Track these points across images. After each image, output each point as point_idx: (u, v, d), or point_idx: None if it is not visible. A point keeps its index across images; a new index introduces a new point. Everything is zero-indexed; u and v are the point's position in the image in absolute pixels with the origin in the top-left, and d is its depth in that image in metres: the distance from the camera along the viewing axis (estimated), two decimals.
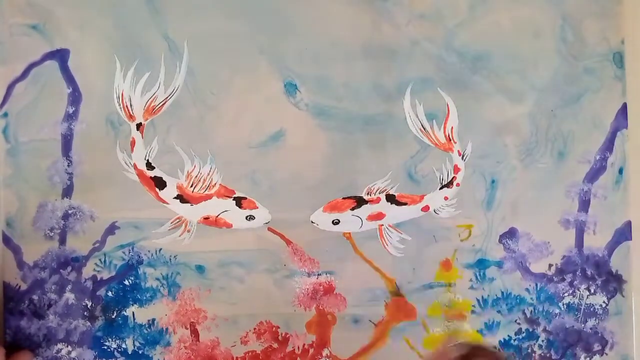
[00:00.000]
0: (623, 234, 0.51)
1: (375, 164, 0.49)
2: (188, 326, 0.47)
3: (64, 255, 0.46)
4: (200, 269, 0.47)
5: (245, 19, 0.48)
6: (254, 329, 0.48)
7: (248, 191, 0.48)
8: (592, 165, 0.51)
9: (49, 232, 0.46)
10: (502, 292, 0.50)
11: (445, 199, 0.50)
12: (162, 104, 0.47)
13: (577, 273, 0.51)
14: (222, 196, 0.48)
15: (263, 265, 0.48)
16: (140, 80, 0.47)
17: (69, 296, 0.46)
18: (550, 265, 0.51)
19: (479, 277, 0.50)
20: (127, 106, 0.47)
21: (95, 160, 0.47)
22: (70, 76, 0.46)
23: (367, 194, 0.49)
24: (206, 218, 0.48)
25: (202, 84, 0.47)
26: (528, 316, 0.50)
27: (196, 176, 0.47)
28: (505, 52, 0.50)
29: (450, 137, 0.49)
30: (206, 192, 0.48)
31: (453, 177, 0.50)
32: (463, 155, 0.50)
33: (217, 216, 0.48)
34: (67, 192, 0.46)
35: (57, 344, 0.46)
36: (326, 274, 0.49)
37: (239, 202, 0.48)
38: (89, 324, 0.46)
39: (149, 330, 0.47)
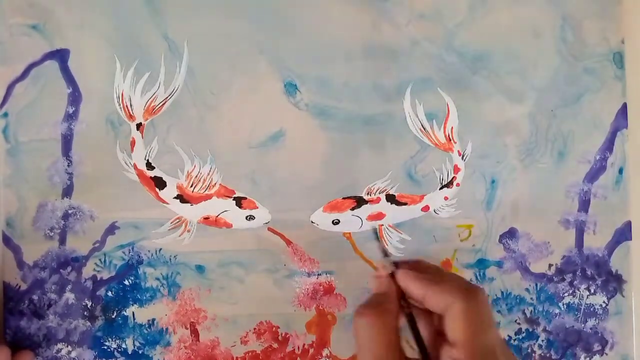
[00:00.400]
0: (623, 234, 0.51)
1: (375, 164, 0.49)
2: (188, 326, 0.47)
3: (64, 255, 0.46)
4: (200, 269, 0.47)
5: (245, 19, 0.48)
6: (254, 329, 0.48)
7: (248, 191, 0.48)
8: (592, 165, 0.51)
9: (48, 232, 0.46)
10: (502, 292, 0.50)
11: (445, 199, 0.50)
12: (162, 104, 0.47)
13: (577, 273, 0.51)
14: (222, 196, 0.48)
15: (263, 265, 0.48)
16: (140, 80, 0.47)
17: (69, 296, 0.46)
18: (550, 265, 0.51)
19: (478, 277, 0.50)
20: (127, 106, 0.47)
21: (95, 160, 0.47)
22: (70, 76, 0.47)
23: (367, 194, 0.49)
24: (206, 218, 0.48)
25: (202, 84, 0.48)
26: (528, 316, 0.50)
27: (196, 176, 0.47)
28: (505, 52, 0.50)
29: (450, 137, 0.49)
30: (206, 192, 0.48)
31: (453, 177, 0.50)
32: (463, 155, 0.50)
33: (217, 216, 0.48)
34: (67, 192, 0.46)
35: (57, 344, 0.46)
36: (326, 274, 0.49)
37: (239, 202, 0.48)
38: (89, 323, 0.46)
39: (149, 330, 0.47)
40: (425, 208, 0.50)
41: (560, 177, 0.51)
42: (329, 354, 0.48)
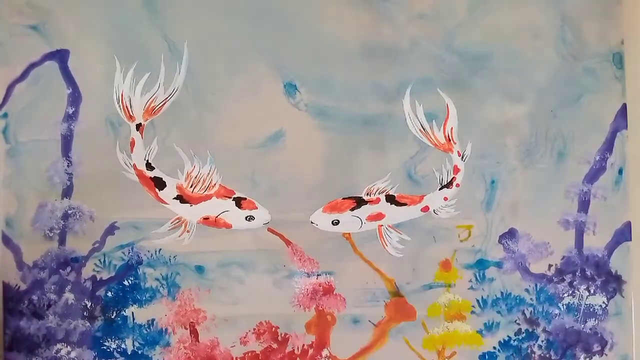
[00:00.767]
0: (623, 234, 0.51)
1: (374, 164, 0.49)
2: (187, 326, 0.47)
3: (64, 256, 0.46)
4: (199, 269, 0.47)
5: (245, 20, 0.48)
6: (254, 329, 0.48)
7: (248, 192, 0.48)
8: (592, 165, 0.51)
9: (48, 232, 0.46)
10: (502, 293, 0.50)
11: (445, 200, 0.50)
12: (161, 104, 0.47)
13: (577, 273, 0.51)
14: (222, 196, 0.48)
15: (263, 265, 0.48)
16: (140, 80, 0.47)
17: (69, 296, 0.46)
18: (550, 266, 0.51)
19: (478, 277, 0.50)
20: (126, 107, 0.47)
21: (95, 161, 0.47)
22: (70, 77, 0.46)
23: (367, 194, 0.49)
24: (206, 218, 0.48)
25: (202, 85, 0.47)
26: (528, 316, 0.50)
27: (196, 176, 0.47)
28: (505, 52, 0.50)
29: (450, 137, 0.49)
30: (206, 193, 0.48)
31: (453, 178, 0.50)
32: (463, 156, 0.50)
33: (216, 216, 0.48)
34: (67, 192, 0.46)
35: (56, 344, 0.46)
36: (326, 274, 0.49)
37: (238, 202, 0.48)
38: (88, 324, 0.46)
39: (148, 330, 0.47)
40: (425, 208, 0.50)
41: (560, 178, 0.51)
42: (328, 354, 0.48)
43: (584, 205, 0.51)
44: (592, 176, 0.51)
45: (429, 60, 0.50)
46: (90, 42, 0.47)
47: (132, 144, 0.47)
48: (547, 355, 0.50)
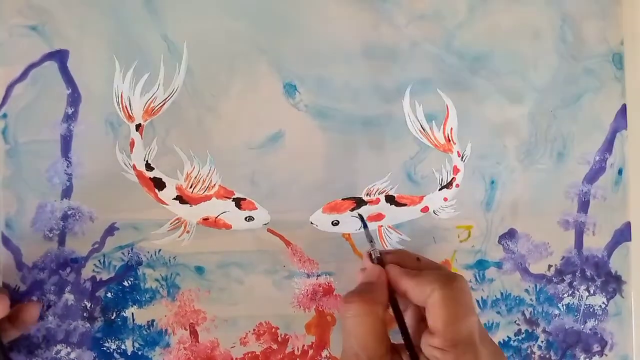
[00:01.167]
0: (622, 234, 0.51)
1: (374, 164, 0.49)
2: (187, 327, 0.47)
3: (63, 256, 0.46)
4: (199, 270, 0.47)
5: (245, 20, 0.48)
6: (254, 330, 0.48)
7: (247, 192, 0.48)
8: (592, 166, 0.51)
9: (48, 233, 0.46)
10: (502, 293, 0.50)
11: (445, 200, 0.50)
12: (161, 105, 0.47)
13: (577, 274, 0.51)
14: (222, 197, 0.48)
15: (262, 266, 0.48)
16: (139, 81, 0.47)
17: (68, 297, 0.46)
18: (549, 266, 0.51)
19: (478, 278, 0.50)
20: (126, 107, 0.47)
21: (94, 161, 0.47)
22: (69, 77, 0.46)
23: (367, 194, 0.49)
24: (205, 219, 0.48)
25: (202, 85, 0.47)
26: (527, 317, 0.50)
27: (195, 177, 0.47)
28: (505, 52, 0.50)
29: (450, 138, 0.49)
30: (205, 193, 0.48)
31: (452, 178, 0.50)
32: (462, 156, 0.50)
33: (216, 217, 0.48)
34: (67, 193, 0.46)
35: (56, 345, 0.46)
36: (325, 275, 0.49)
37: (238, 203, 0.48)
38: (88, 325, 0.46)
39: (148, 331, 0.47)
40: (425, 209, 0.50)
41: (559, 178, 0.51)
42: (328, 355, 0.48)
43: (583, 206, 0.51)
44: (592, 176, 0.51)
45: (429, 61, 0.50)
46: (90, 43, 0.47)
47: (132, 144, 0.47)
48: (547, 356, 0.50)
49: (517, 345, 0.50)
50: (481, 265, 0.50)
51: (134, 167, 0.47)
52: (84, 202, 0.47)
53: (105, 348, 0.47)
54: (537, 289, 0.50)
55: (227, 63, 0.48)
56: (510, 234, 0.50)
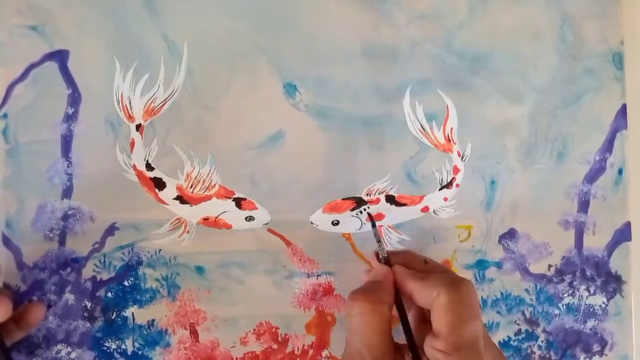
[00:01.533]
0: (623, 234, 0.51)
1: (374, 164, 0.49)
2: (188, 327, 0.47)
3: (64, 256, 0.46)
4: (199, 269, 0.47)
5: (245, 20, 0.48)
6: (254, 329, 0.48)
7: (248, 192, 0.48)
8: (592, 166, 0.51)
9: (48, 233, 0.46)
10: (502, 293, 0.50)
11: (445, 200, 0.50)
12: (161, 105, 0.47)
13: (577, 274, 0.51)
14: (222, 197, 0.48)
15: (263, 266, 0.48)
16: (139, 81, 0.47)
17: (69, 297, 0.46)
18: (549, 266, 0.51)
19: (478, 277, 0.50)
20: (126, 107, 0.47)
21: (94, 161, 0.47)
22: (69, 77, 0.46)
23: (367, 194, 0.49)
24: (206, 219, 0.48)
25: (202, 85, 0.47)
26: (527, 317, 0.50)
27: (196, 177, 0.47)
28: (505, 52, 0.50)
29: (450, 138, 0.49)
30: (206, 193, 0.48)
31: (452, 178, 0.50)
32: (462, 156, 0.50)
33: (216, 217, 0.48)
34: (67, 193, 0.46)
35: (56, 345, 0.46)
36: (326, 274, 0.49)
37: (238, 203, 0.48)
38: (88, 324, 0.46)
39: (148, 331, 0.47)
40: (425, 209, 0.50)
41: (559, 178, 0.51)
42: (328, 355, 0.48)
43: (583, 206, 0.51)
44: (592, 176, 0.51)
45: (429, 61, 0.50)
46: (90, 43, 0.47)
47: (132, 144, 0.47)
48: (547, 356, 0.50)
49: (517, 345, 0.50)
50: (481, 265, 0.50)
51: (134, 167, 0.47)
52: (84, 202, 0.47)
53: (105, 348, 0.47)
54: (537, 289, 0.50)
55: (227, 63, 0.48)
56: (511, 234, 0.50)
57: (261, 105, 0.48)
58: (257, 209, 0.48)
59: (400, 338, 0.38)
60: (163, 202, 0.47)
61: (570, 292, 0.51)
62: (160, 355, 0.47)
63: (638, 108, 0.51)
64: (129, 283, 0.47)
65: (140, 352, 0.47)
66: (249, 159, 0.48)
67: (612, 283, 0.51)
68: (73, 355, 0.46)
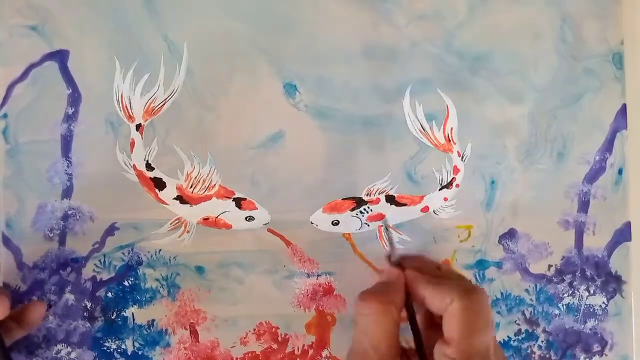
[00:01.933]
0: (623, 234, 0.51)
1: (374, 164, 0.49)
2: (188, 327, 0.47)
3: (64, 256, 0.46)
4: (199, 269, 0.47)
5: (245, 20, 0.48)
6: (254, 329, 0.48)
7: (248, 192, 0.48)
8: (592, 166, 0.51)
9: (48, 233, 0.46)
10: (502, 293, 0.50)
11: (445, 200, 0.50)
12: (161, 104, 0.47)
13: (577, 274, 0.51)
14: (222, 197, 0.48)
15: (263, 266, 0.48)
16: (139, 81, 0.47)
17: (69, 297, 0.46)
18: (549, 266, 0.51)
19: (478, 278, 0.50)
20: (126, 107, 0.47)
21: (94, 161, 0.47)
22: (69, 77, 0.46)
23: (367, 194, 0.49)
24: (206, 219, 0.48)
25: (202, 85, 0.47)
26: (527, 317, 0.50)
27: (196, 177, 0.47)
28: (505, 52, 0.50)
29: (450, 138, 0.49)
30: (206, 193, 0.48)
31: (452, 178, 0.50)
32: (462, 156, 0.50)
33: (216, 217, 0.48)
34: (67, 193, 0.46)
35: (56, 345, 0.46)
36: (326, 274, 0.49)
37: (238, 203, 0.48)
38: (88, 324, 0.46)
39: (148, 331, 0.47)
40: (425, 209, 0.50)
41: (559, 178, 0.51)
42: (328, 355, 0.48)
43: (583, 206, 0.51)
44: (592, 176, 0.51)
45: (429, 61, 0.50)
46: (90, 43, 0.47)
47: (132, 144, 0.47)
48: (547, 356, 0.50)
49: (517, 345, 0.50)
50: (481, 265, 0.50)
51: (134, 167, 0.47)
52: (84, 202, 0.47)
53: (105, 348, 0.47)
54: (537, 289, 0.50)
55: (227, 63, 0.48)
56: (511, 234, 0.50)
57: (261, 105, 0.48)
58: (257, 209, 0.48)
59: (408, 343, 0.38)
60: (163, 202, 0.47)
61: (570, 292, 0.51)
62: (160, 355, 0.47)
63: (638, 108, 0.51)
64: (129, 283, 0.47)
65: (140, 352, 0.47)
66: (249, 159, 0.48)
67: (612, 283, 0.51)
68: (73, 355, 0.46)
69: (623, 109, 0.51)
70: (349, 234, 0.49)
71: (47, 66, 0.46)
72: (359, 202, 0.49)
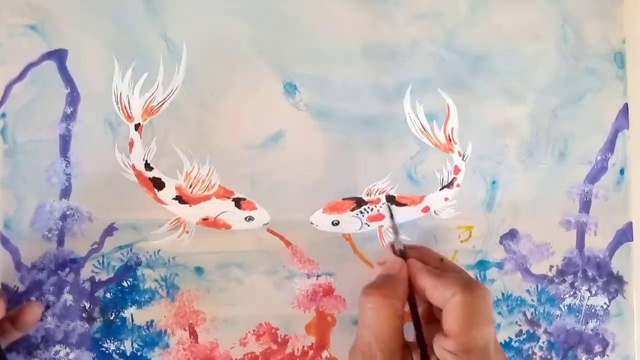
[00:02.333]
0: (624, 234, 0.51)
1: (375, 164, 0.49)
2: (187, 328, 0.47)
3: (62, 257, 0.46)
4: (199, 270, 0.47)
5: (245, 19, 0.48)
6: (253, 330, 0.48)
7: (247, 192, 0.48)
8: (593, 165, 0.51)
9: (47, 233, 0.46)
10: (503, 294, 0.50)
11: (446, 200, 0.49)
12: (160, 104, 0.47)
13: (578, 274, 0.51)
14: (221, 197, 0.48)
15: (262, 266, 0.48)
16: (138, 80, 0.47)
17: (67, 297, 0.46)
18: (551, 267, 0.50)
19: (479, 278, 0.50)
20: (125, 107, 0.47)
21: (93, 161, 0.46)
22: (68, 77, 0.46)
23: (367, 194, 0.49)
24: (205, 219, 0.47)
25: (201, 85, 0.47)
26: (529, 318, 0.50)
27: (195, 177, 0.47)
28: (505, 52, 0.50)
29: (451, 137, 0.49)
30: (205, 193, 0.47)
31: (453, 178, 0.49)
32: (463, 156, 0.49)
33: (216, 217, 0.47)
34: (65, 193, 0.46)
35: (55, 346, 0.46)
36: (326, 275, 0.48)
37: (238, 203, 0.48)
38: (87, 325, 0.46)
39: (147, 331, 0.47)
40: (426, 209, 0.49)
41: (561, 178, 0.50)
42: (328, 356, 0.48)
43: (585, 206, 0.51)
44: (594, 176, 0.51)
45: (429, 60, 0.49)
46: (89, 42, 0.47)
47: (131, 144, 0.47)
48: (549, 357, 0.50)
49: (518, 346, 0.50)
50: (482, 265, 0.50)
51: (133, 167, 0.47)
52: (82, 202, 0.46)
53: (104, 349, 0.46)
54: (539, 290, 0.50)
55: (227, 63, 0.48)
56: (512, 234, 0.50)
57: (261, 105, 0.48)
58: (256, 209, 0.48)
59: (408, 336, 0.38)
60: (162, 202, 0.47)
61: (571, 292, 0.50)
62: (159, 356, 0.47)
63: None
64: (127, 284, 0.47)
65: (139, 353, 0.47)
66: (248, 158, 0.48)
67: (614, 283, 0.51)
68: (72, 356, 0.46)
69: (625, 109, 0.51)
70: (349, 234, 0.49)
71: (45, 65, 0.46)
72: (359, 202, 0.49)
